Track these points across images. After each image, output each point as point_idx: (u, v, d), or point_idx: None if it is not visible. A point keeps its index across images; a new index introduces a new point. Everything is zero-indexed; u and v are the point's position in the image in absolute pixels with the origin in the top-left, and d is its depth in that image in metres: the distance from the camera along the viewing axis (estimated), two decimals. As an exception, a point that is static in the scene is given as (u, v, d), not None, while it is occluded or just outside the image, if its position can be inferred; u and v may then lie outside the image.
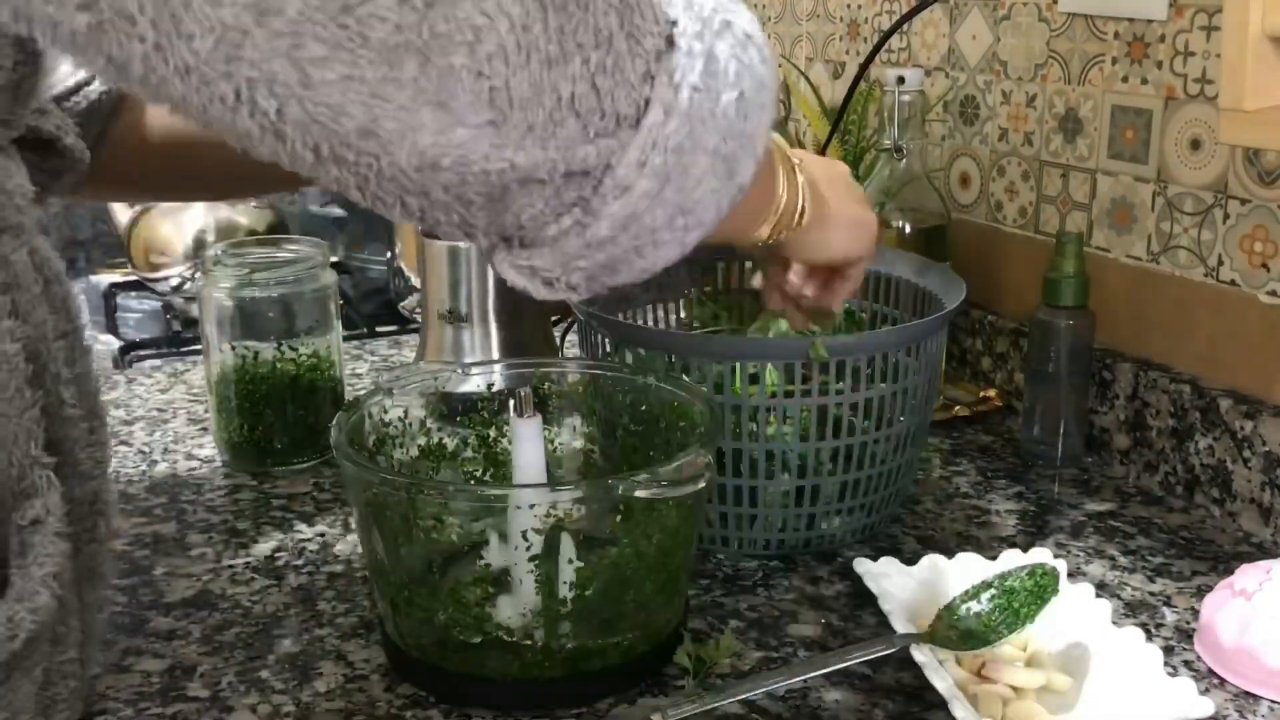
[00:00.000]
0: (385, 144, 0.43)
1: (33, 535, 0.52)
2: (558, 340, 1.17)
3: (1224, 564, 0.86)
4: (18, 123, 0.57)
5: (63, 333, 0.56)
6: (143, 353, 1.49)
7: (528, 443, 0.77)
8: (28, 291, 0.54)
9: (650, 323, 1.01)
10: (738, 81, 0.50)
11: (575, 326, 1.05)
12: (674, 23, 0.49)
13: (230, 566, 0.86)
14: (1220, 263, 0.95)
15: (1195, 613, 0.79)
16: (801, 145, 1.31)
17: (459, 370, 0.87)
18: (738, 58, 0.50)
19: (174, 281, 1.64)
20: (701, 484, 0.67)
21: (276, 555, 0.88)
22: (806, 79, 1.38)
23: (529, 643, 0.68)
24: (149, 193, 1.19)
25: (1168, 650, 0.75)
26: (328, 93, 0.42)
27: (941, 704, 0.69)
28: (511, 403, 0.79)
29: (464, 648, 0.69)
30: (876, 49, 1.00)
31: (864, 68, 1.02)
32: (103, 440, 0.59)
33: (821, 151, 1.10)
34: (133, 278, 1.70)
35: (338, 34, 0.41)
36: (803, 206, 0.74)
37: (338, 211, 1.75)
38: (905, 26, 1.24)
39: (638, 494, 0.67)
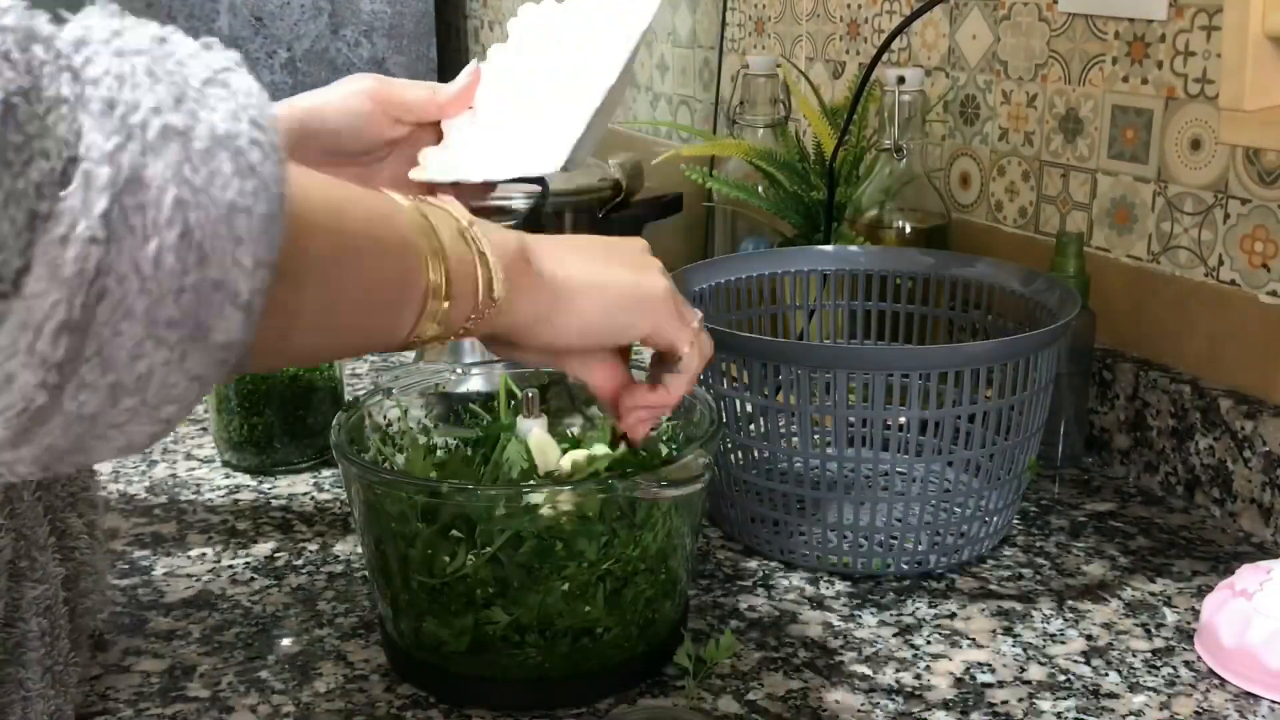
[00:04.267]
0: None
1: None
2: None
3: (1224, 564, 0.86)
4: None
5: None
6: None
7: (530, 442, 0.77)
8: None
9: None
10: (177, 216, 0.37)
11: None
12: (78, 136, 0.37)
13: (230, 566, 0.86)
14: (1220, 263, 0.95)
15: (1195, 613, 0.79)
16: (802, 145, 1.30)
17: (459, 370, 0.87)
18: (186, 180, 0.38)
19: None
20: (701, 484, 0.67)
21: (276, 555, 0.88)
22: (806, 79, 1.38)
23: (528, 642, 0.68)
24: None
25: (1168, 650, 0.75)
26: None
27: (942, 704, 0.69)
28: (512, 403, 0.79)
29: (464, 648, 0.69)
30: (881, 50, 1.00)
31: (870, 69, 1.02)
32: None
33: (833, 155, 1.09)
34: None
35: None
36: (487, 282, 0.56)
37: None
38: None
39: (638, 494, 0.67)
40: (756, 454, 0.90)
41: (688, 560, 0.74)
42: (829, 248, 1.04)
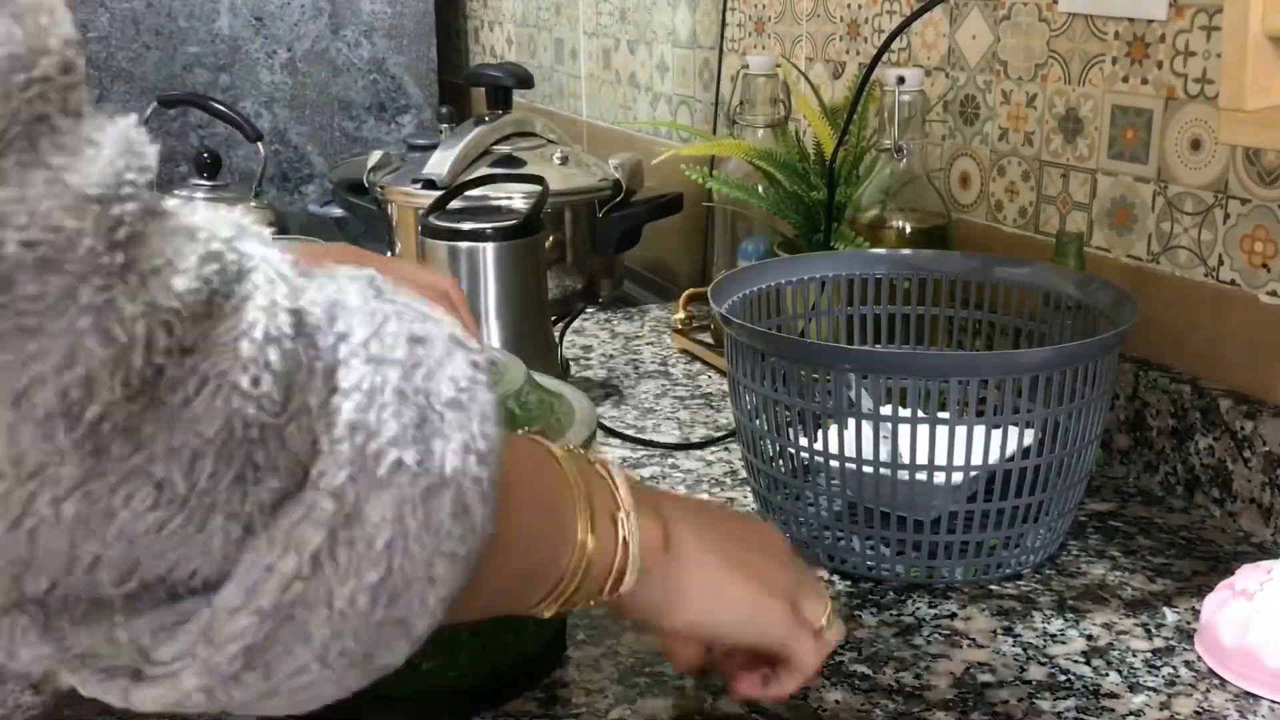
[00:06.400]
0: None
1: None
2: (558, 340, 1.17)
3: (1224, 564, 0.86)
4: None
5: None
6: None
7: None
8: None
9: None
10: (383, 558, 0.37)
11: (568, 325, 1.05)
12: (313, 457, 0.36)
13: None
14: (1220, 263, 0.95)
15: (1195, 613, 0.79)
16: (801, 145, 1.30)
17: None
18: (403, 522, 0.37)
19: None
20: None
21: (276, 555, 0.88)
22: (806, 79, 1.38)
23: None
24: None
25: (1168, 650, 0.75)
26: None
27: (942, 704, 0.69)
28: None
29: None
30: (882, 50, 1.00)
31: (870, 69, 1.02)
32: None
33: (833, 155, 1.09)
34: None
35: None
36: (619, 573, 0.53)
37: (338, 211, 1.74)
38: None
39: None
40: (802, 460, 0.87)
41: None
42: (849, 251, 1.03)
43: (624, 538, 0.53)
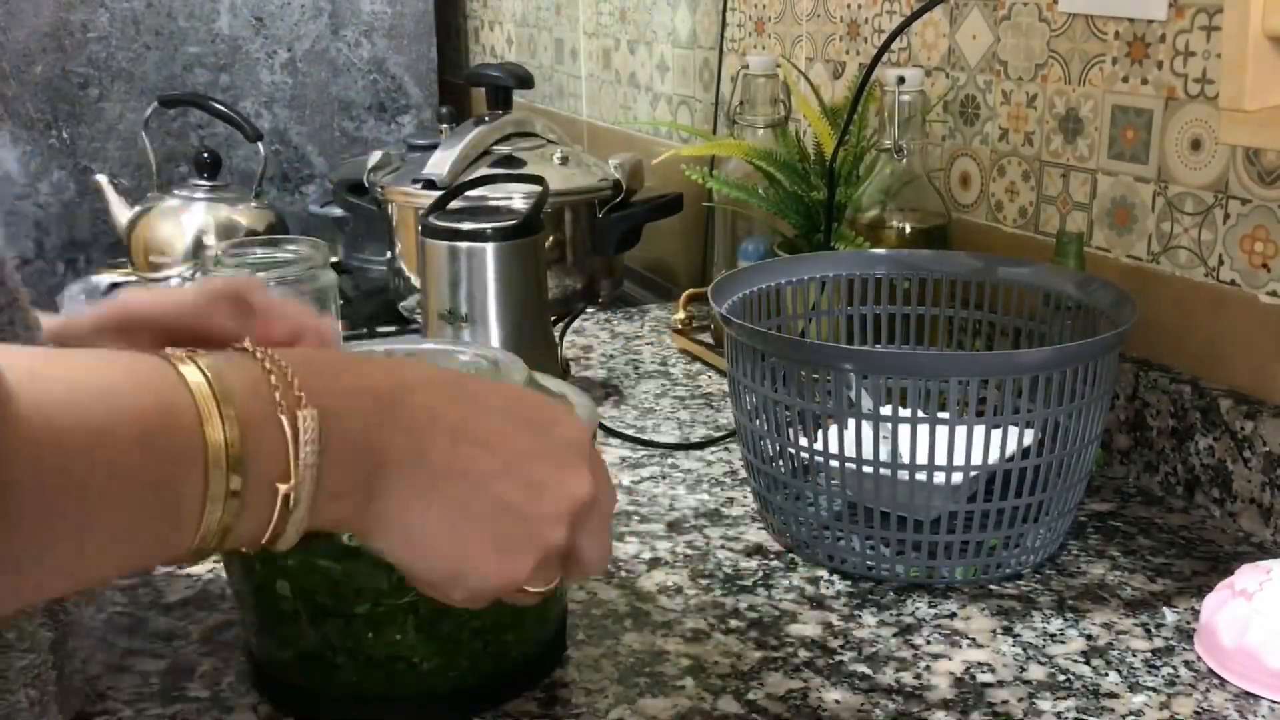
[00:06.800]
0: None
1: None
2: (558, 340, 1.17)
3: (1224, 564, 0.86)
4: None
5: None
6: (143, 353, 1.49)
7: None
8: None
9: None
10: None
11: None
12: None
13: (230, 566, 0.86)
14: (1220, 263, 0.95)
15: (1195, 613, 0.79)
16: (802, 145, 1.30)
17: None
18: None
19: (174, 281, 1.63)
20: None
21: (276, 555, 0.88)
22: (807, 79, 1.38)
23: (339, 664, 0.67)
24: None
25: (1168, 650, 0.75)
26: None
27: (942, 704, 0.69)
28: None
29: (289, 659, 0.69)
30: (882, 51, 1.00)
31: (870, 70, 1.02)
32: None
33: (833, 155, 1.09)
34: (133, 278, 1.70)
35: None
36: (275, 533, 0.45)
37: (338, 212, 1.74)
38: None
39: None
40: (802, 460, 0.87)
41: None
42: (849, 251, 1.03)
43: (282, 509, 0.45)
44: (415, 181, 1.41)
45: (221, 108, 1.76)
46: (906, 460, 0.80)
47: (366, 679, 0.68)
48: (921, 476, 0.80)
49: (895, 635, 0.77)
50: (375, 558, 0.51)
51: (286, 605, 0.67)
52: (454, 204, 1.14)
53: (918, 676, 0.72)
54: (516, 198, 1.30)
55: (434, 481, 0.49)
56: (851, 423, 0.81)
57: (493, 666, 0.70)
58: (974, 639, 0.77)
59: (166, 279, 1.64)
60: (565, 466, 0.52)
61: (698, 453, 1.06)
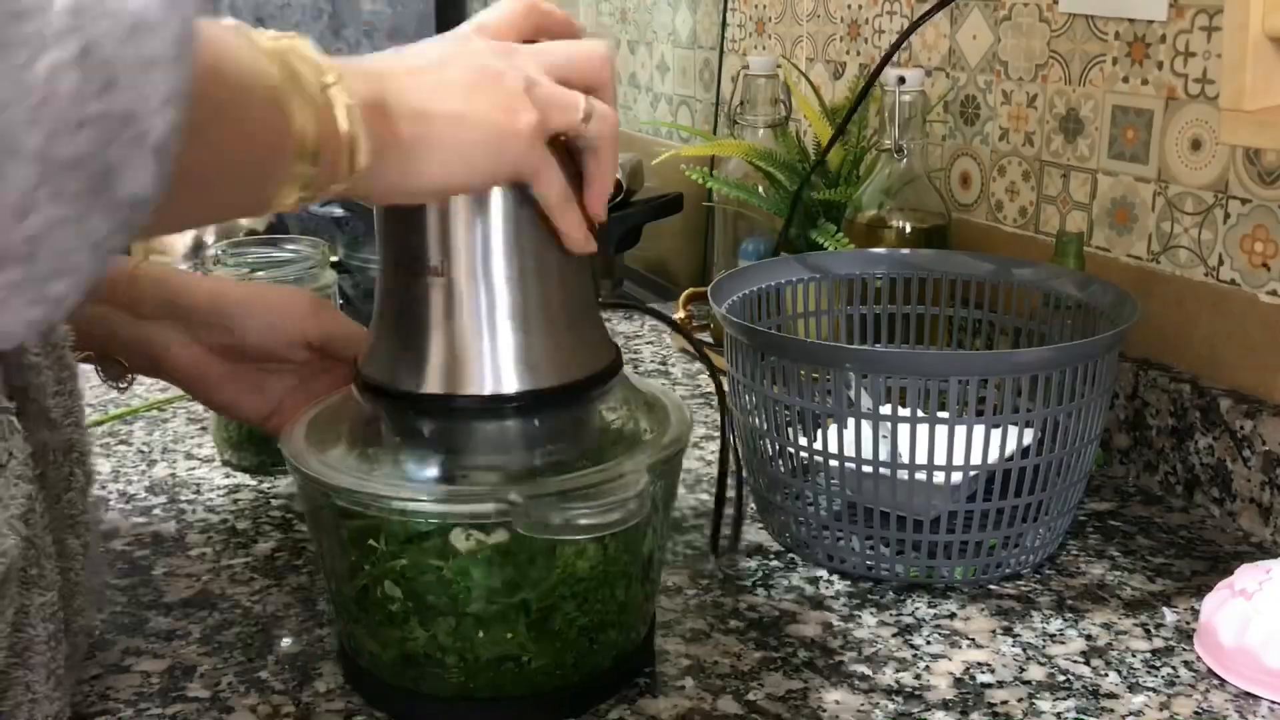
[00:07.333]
0: None
1: None
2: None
3: (1224, 564, 0.86)
4: None
5: None
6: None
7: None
8: None
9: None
10: (72, 25, 0.30)
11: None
12: None
13: (230, 566, 0.86)
14: (1220, 262, 0.95)
15: (1195, 613, 0.79)
16: (802, 146, 1.31)
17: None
18: None
19: (174, 281, 1.64)
20: (630, 514, 0.61)
21: (276, 555, 0.88)
22: (807, 79, 1.38)
23: (449, 664, 0.67)
24: None
25: (1167, 650, 0.75)
26: None
27: (942, 704, 0.69)
28: None
29: (391, 660, 0.68)
30: (888, 56, 1.00)
31: (874, 75, 1.02)
32: (73, 390, 0.58)
33: (825, 150, 1.09)
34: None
35: None
36: (351, 140, 0.51)
37: (338, 211, 1.74)
38: (905, 27, 1.24)
39: (545, 534, 0.61)
40: (801, 459, 0.87)
41: (640, 583, 0.71)
42: (849, 250, 1.03)
43: (345, 107, 0.51)
44: (415, 181, 1.41)
45: (222, 108, 1.76)
46: (906, 460, 0.80)
47: (474, 679, 0.67)
48: (921, 476, 0.80)
49: (895, 635, 0.77)
50: (486, 556, 0.57)
51: (396, 607, 0.66)
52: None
53: (917, 677, 0.72)
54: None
55: (423, 87, 0.57)
56: (851, 422, 0.81)
57: (593, 664, 0.70)
58: (974, 639, 0.77)
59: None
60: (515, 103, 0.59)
61: (698, 452, 1.06)
